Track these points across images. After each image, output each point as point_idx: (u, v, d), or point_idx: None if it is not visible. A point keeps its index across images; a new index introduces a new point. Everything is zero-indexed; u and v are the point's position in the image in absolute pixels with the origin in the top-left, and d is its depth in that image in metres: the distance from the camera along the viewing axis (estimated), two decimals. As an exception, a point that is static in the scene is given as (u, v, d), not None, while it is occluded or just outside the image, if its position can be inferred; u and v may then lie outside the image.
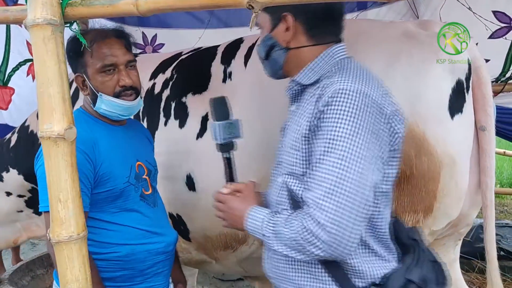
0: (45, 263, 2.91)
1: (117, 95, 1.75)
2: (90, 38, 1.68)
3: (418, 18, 3.46)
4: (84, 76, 1.75)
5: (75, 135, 1.31)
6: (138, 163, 1.84)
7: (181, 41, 3.80)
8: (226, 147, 1.64)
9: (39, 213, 3.06)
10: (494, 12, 3.16)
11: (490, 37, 3.16)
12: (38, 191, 2.87)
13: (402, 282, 1.35)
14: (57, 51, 1.30)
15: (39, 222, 3.13)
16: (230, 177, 1.67)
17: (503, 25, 3.14)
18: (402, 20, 3.33)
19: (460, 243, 2.27)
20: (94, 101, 1.76)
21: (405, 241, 1.50)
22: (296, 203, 1.40)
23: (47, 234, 1.32)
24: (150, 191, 1.87)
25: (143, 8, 1.25)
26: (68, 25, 1.40)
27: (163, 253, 1.85)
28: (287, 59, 1.51)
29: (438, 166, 1.86)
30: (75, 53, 1.72)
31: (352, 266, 1.37)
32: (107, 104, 1.75)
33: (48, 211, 1.57)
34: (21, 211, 3.09)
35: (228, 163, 1.67)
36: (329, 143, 1.28)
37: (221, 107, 1.63)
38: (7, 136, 3.11)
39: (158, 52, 4.03)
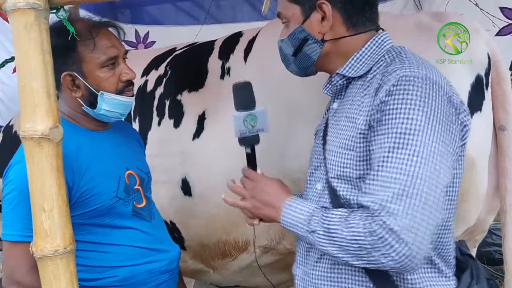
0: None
1: (119, 92, 1.55)
2: (82, 28, 1.47)
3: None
4: (77, 74, 1.52)
5: (61, 135, 1.16)
6: (128, 172, 1.64)
7: (173, 38, 3.66)
8: (244, 142, 1.44)
9: None
10: (501, 9, 3.06)
11: (497, 34, 3.04)
12: None
13: None
14: (41, 40, 1.14)
15: None
16: None
17: (510, 21, 3.03)
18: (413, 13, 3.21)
19: (475, 250, 2.15)
20: (91, 102, 1.54)
21: (459, 257, 1.36)
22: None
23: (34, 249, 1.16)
24: (144, 203, 1.67)
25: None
26: (54, 11, 1.25)
27: (167, 271, 1.66)
28: (322, 52, 1.35)
29: (456, 169, 1.73)
30: (65, 48, 1.47)
31: (411, 283, 1.22)
32: (110, 104, 1.54)
33: (11, 241, 1.39)
34: None
35: (248, 159, 1.47)
36: (398, 137, 1.12)
37: (241, 95, 1.43)
38: None
39: (149, 50, 3.90)
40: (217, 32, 3.35)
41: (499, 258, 3.82)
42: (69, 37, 1.38)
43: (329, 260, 1.30)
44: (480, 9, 3.07)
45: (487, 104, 1.78)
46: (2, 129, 2.90)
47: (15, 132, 2.77)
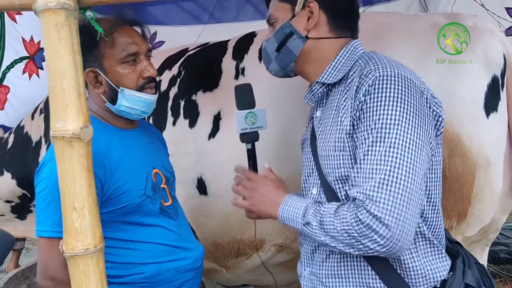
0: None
1: (140, 89, 1.56)
2: (104, 26, 1.46)
3: (429, 15, 3.34)
4: (98, 70, 1.54)
5: (91, 135, 1.16)
6: (155, 170, 1.65)
7: (180, 38, 3.64)
8: (246, 138, 1.57)
9: (22, 218, 2.91)
10: (507, 9, 3.06)
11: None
12: (27, 197, 2.72)
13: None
14: (72, 40, 1.14)
15: (19, 225, 2.97)
16: (253, 169, 1.59)
17: (516, 22, 3.04)
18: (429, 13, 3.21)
19: (487, 249, 2.16)
20: (112, 99, 1.56)
21: (448, 245, 1.43)
22: None
23: (61, 249, 1.16)
24: (170, 202, 1.69)
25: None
26: (81, 11, 1.25)
27: (192, 270, 1.68)
28: (304, 50, 1.42)
29: (472, 168, 1.75)
30: (87, 45, 1.44)
31: (414, 269, 1.29)
32: (129, 100, 1.55)
33: (45, 237, 1.42)
34: (3, 215, 2.92)
35: (249, 154, 1.59)
36: (376, 132, 1.20)
37: (243, 95, 1.57)
38: (5, 136, 2.94)
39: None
40: (220, 32, 3.35)
41: (504, 258, 3.85)
42: (97, 37, 1.39)
43: (335, 258, 1.36)
44: (486, 9, 3.07)
45: (502, 104, 1.80)
46: (14, 129, 2.90)
47: (26, 132, 2.77)
